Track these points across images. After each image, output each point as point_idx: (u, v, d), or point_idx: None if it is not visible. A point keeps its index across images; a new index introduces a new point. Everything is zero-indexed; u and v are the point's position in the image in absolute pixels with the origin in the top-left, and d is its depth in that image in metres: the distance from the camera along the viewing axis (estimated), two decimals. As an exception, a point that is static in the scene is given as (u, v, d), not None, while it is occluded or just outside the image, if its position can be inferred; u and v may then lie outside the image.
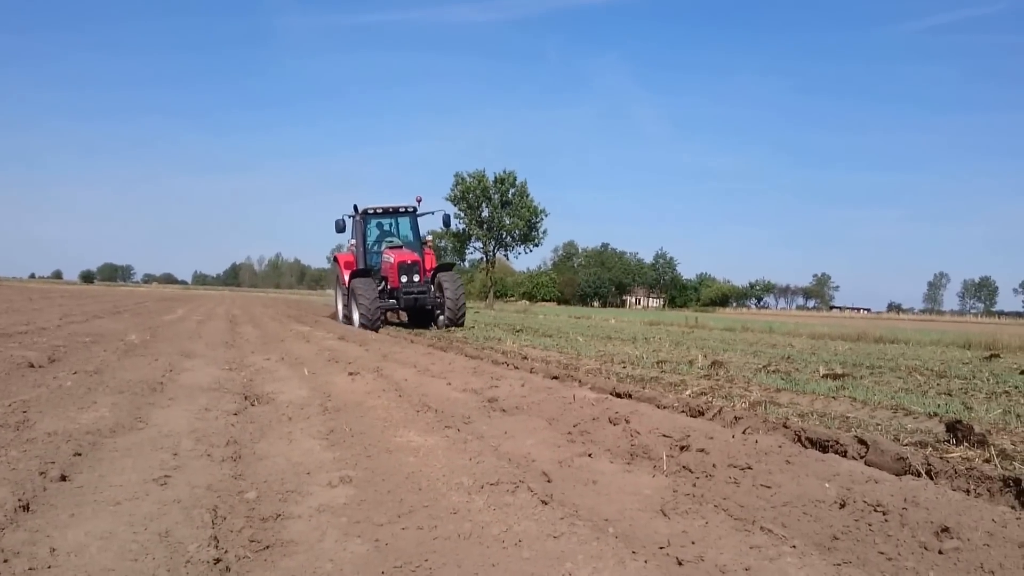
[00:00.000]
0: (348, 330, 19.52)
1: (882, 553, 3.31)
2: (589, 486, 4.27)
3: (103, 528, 3.39)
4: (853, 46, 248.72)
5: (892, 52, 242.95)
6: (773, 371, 10.76)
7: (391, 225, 24.58)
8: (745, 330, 25.61)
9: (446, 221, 24.11)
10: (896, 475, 4.37)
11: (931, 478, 4.64)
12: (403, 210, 24.02)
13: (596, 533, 3.34)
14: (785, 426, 5.99)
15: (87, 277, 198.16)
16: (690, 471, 4.58)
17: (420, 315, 23.29)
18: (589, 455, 4.87)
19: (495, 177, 73.35)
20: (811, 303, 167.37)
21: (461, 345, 15.10)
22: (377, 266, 23.09)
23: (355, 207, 23.44)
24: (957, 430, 5.75)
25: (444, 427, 5.76)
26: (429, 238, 25.77)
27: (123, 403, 6.40)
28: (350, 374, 8.87)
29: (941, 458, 4.99)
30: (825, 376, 10.12)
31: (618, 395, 7.69)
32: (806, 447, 5.26)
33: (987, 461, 5.09)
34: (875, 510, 3.63)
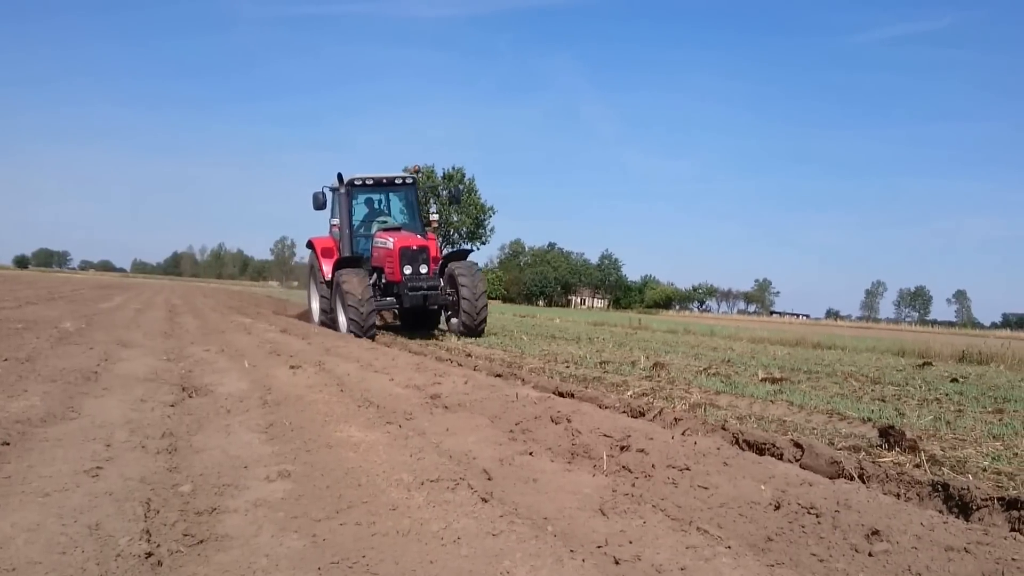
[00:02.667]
0: (291, 323, 19.23)
1: (814, 555, 3.36)
2: (529, 484, 4.27)
3: (31, 520, 3.31)
4: (804, 53, 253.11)
5: (840, 61, 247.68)
6: (713, 374, 10.88)
7: (383, 201, 19.68)
8: (687, 333, 25.87)
9: (455, 196, 20.93)
10: (830, 478, 4.44)
11: (863, 482, 4.73)
12: (400, 182, 19.13)
13: (535, 531, 3.33)
14: (724, 428, 6.07)
15: (21, 262, 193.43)
16: (630, 471, 4.61)
17: (421, 317, 18.97)
18: (530, 453, 4.87)
19: (444, 173, 73.20)
20: (752, 308, 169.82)
21: (405, 341, 15.12)
22: (367, 253, 18.22)
23: (339, 177, 18.28)
24: (889, 435, 5.88)
25: (386, 423, 5.72)
26: (435, 217, 21.30)
27: (55, 392, 6.25)
28: (291, 367, 8.76)
29: (874, 462, 5.09)
30: (764, 380, 10.27)
31: (561, 394, 7.72)
32: (743, 449, 5.33)
33: (917, 466, 5.21)
34: (809, 512, 3.68)
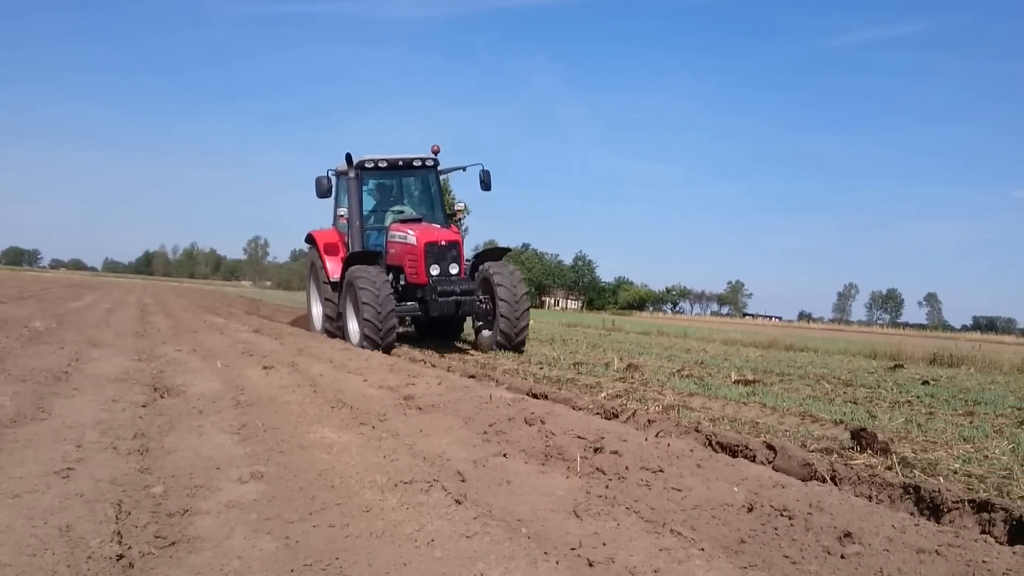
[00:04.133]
0: (263, 323, 19.12)
1: (787, 557, 3.38)
2: (503, 486, 4.27)
3: (0, 522, 3.27)
4: (780, 57, 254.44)
5: (815, 65, 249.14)
6: (687, 375, 10.94)
7: (396, 188, 16.78)
8: (661, 334, 25.95)
9: (485, 181, 15.64)
10: (802, 480, 4.48)
11: (836, 484, 4.77)
12: (419, 164, 15.79)
13: (509, 533, 3.34)
14: (697, 430, 6.10)
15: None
16: (603, 473, 4.62)
17: (440, 325, 16.10)
18: (504, 455, 4.87)
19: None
20: (725, 309, 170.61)
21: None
22: (381, 249, 15.42)
23: (348, 158, 15.35)
24: (861, 438, 5.93)
25: (359, 424, 5.71)
26: (461, 205, 16.84)
27: (25, 392, 6.18)
28: (264, 368, 8.72)
29: (846, 465, 5.14)
30: (737, 382, 10.33)
31: (534, 396, 7.73)
32: (717, 451, 5.36)
33: (889, 468, 5.26)
34: (781, 514, 3.71)
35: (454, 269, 14.20)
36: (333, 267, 15.51)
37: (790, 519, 3.65)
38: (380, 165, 15.51)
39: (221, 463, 4.58)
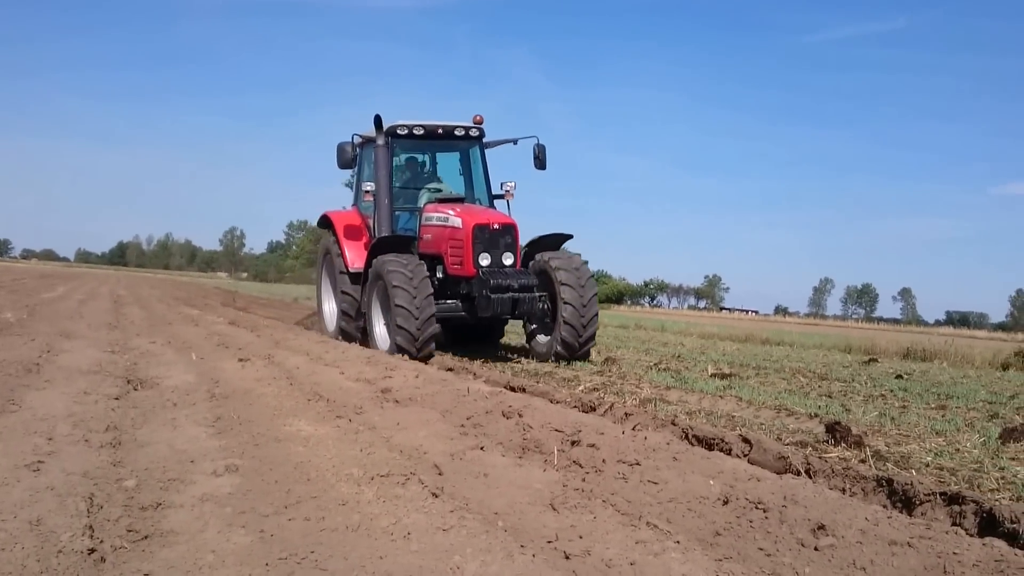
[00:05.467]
0: (239, 315, 18.97)
1: (761, 549, 3.40)
2: (480, 479, 4.26)
3: (-31, 515, 3.23)
4: (759, 52, 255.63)
5: (794, 61, 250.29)
6: (664, 369, 10.99)
7: (430, 162, 14.16)
8: (638, 328, 26.02)
9: (540, 157, 13.06)
10: (777, 473, 4.49)
11: (810, 477, 4.81)
12: (462, 133, 13.08)
13: (486, 526, 3.34)
14: (674, 423, 6.12)
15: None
16: (580, 466, 4.63)
17: (482, 328, 13.52)
18: (481, 448, 4.87)
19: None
20: (702, 303, 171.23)
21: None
22: (413, 233, 12.82)
23: (377, 121, 12.45)
24: (836, 431, 5.98)
25: (335, 417, 5.68)
26: (511, 184, 12.98)
27: (-4, 384, 6.12)
28: (240, 360, 8.67)
29: (820, 458, 5.17)
30: (713, 375, 10.39)
31: (512, 389, 7.74)
32: (693, 444, 5.38)
33: (863, 461, 5.30)
34: (756, 507, 3.72)
35: (508, 259, 11.66)
36: (354, 255, 13.03)
37: (765, 512, 3.67)
38: (415, 132, 12.78)
39: (195, 456, 4.55)
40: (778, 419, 7.07)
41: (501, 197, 13.10)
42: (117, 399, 6.18)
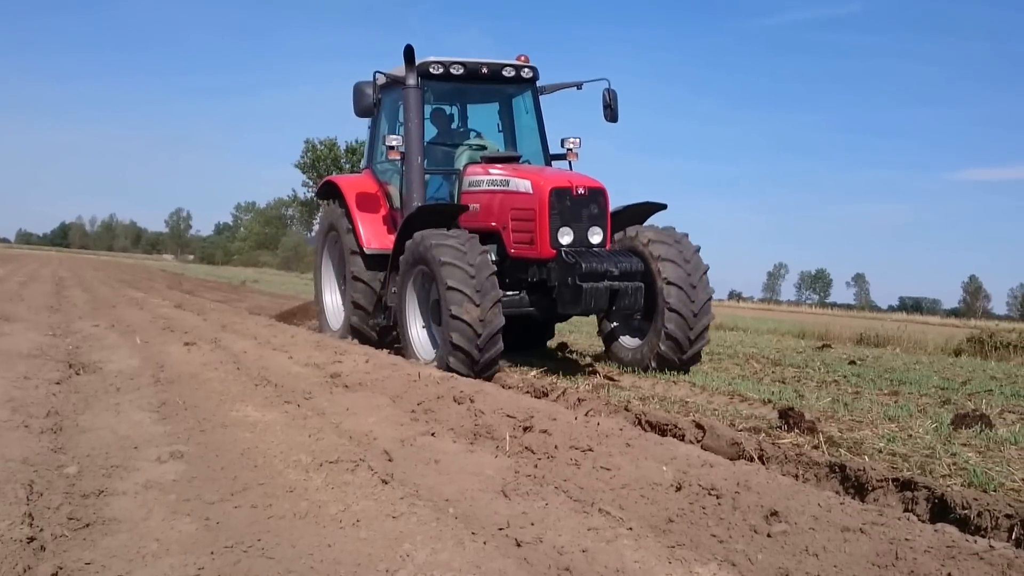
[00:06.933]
0: (185, 298, 18.69)
1: (714, 536, 3.41)
2: (431, 465, 4.24)
3: (-99, 504, 3.12)
4: (717, 34, 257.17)
5: (752, 44, 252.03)
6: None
7: (459, 115, 11.23)
8: (590, 313, 26.03)
9: (611, 106, 10.20)
10: (731, 459, 4.52)
11: (763, 463, 4.85)
12: (511, 74, 10.27)
13: (436, 514, 3.31)
14: (627, 409, 6.14)
15: None
16: (532, 452, 4.61)
17: (538, 323, 10.40)
18: (432, 434, 4.83)
19: (347, 146, 72.39)
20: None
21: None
22: (454, 201, 9.94)
23: (408, 53, 9.41)
24: (789, 417, 6.03)
25: (284, 402, 5.61)
26: (575, 141, 10.43)
27: (-70, 368, 5.95)
28: (186, 344, 8.53)
29: (773, 444, 5.22)
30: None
31: (463, 373, 7.69)
32: (646, 430, 5.40)
33: (816, 447, 5.35)
34: (709, 493, 3.74)
35: (596, 236, 8.87)
36: (370, 231, 10.20)
37: (718, 498, 3.68)
38: (452, 72, 9.92)
39: (139, 442, 4.47)
40: (731, 405, 7.11)
41: (561, 157, 10.46)
42: (58, 384, 6.06)
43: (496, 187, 9.28)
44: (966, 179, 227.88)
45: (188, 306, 15.24)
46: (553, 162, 10.53)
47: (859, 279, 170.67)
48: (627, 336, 9.65)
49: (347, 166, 70.67)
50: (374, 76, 9.88)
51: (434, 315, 8.82)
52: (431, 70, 9.78)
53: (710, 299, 9.13)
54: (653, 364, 8.96)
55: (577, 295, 8.30)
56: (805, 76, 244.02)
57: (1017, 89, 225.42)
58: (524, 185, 8.93)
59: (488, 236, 9.04)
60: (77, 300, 15.61)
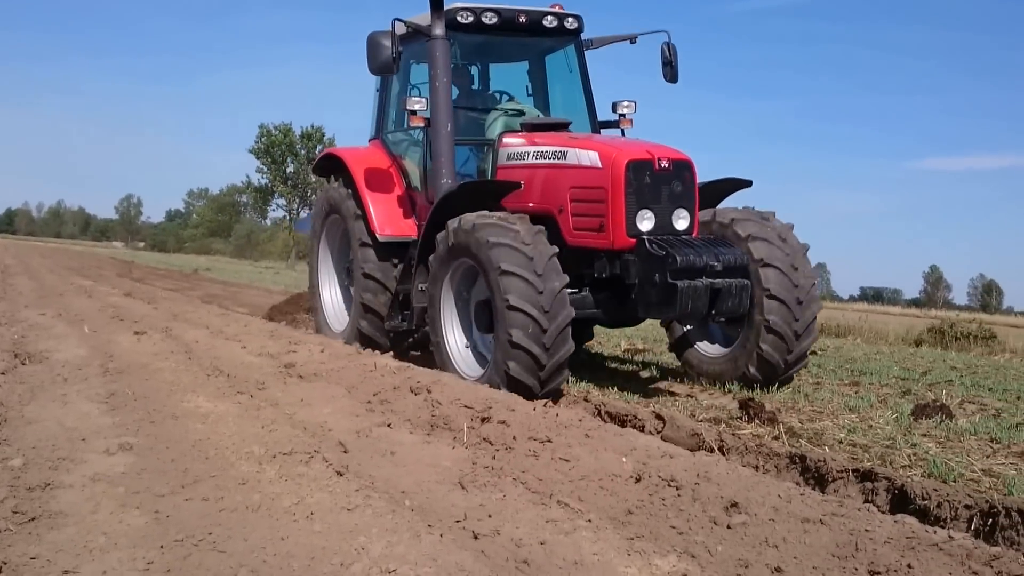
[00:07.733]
0: (135, 286, 18.39)
1: (674, 527, 3.40)
2: (387, 457, 4.20)
3: None
4: (679, 17, 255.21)
5: (714, 29, 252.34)
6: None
7: (479, 76, 9.57)
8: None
9: (672, 63, 8.62)
10: (691, 451, 4.54)
11: (723, 454, 4.88)
12: (553, 24, 8.62)
13: (392, 506, 3.28)
14: (586, 400, 6.15)
15: None
16: (490, 443, 4.58)
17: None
18: (388, 425, 4.80)
19: (302, 132, 72.03)
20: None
21: None
22: (487, 177, 8.33)
23: (435, 2, 7.75)
24: (749, 408, 6.07)
25: (236, 393, 5.54)
26: (628, 106, 8.67)
27: None
28: (136, 333, 8.39)
29: (734, 435, 5.26)
30: (627, 351, 10.48)
31: (421, 364, 7.64)
32: (606, 421, 5.41)
33: (776, 438, 5.39)
34: (669, 485, 3.74)
35: (683, 222, 7.21)
36: (383, 215, 8.62)
37: (678, 489, 3.68)
38: (484, 21, 8.30)
39: (87, 434, 4.38)
40: (692, 396, 7.13)
41: (613, 124, 8.88)
42: (3, 374, 5.96)
43: (547, 160, 7.64)
44: (928, 168, 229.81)
45: (138, 294, 15.01)
46: (602, 131, 8.95)
47: (820, 268, 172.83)
48: (705, 343, 8.07)
49: (303, 152, 70.33)
50: (392, 25, 8.08)
51: (479, 320, 7.23)
52: (458, 18, 8.18)
53: (815, 284, 7.57)
54: (753, 371, 7.36)
55: (669, 296, 6.59)
56: (770, 63, 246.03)
57: (980, 78, 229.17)
58: (590, 157, 7.24)
59: (540, 221, 7.17)
60: (23, 288, 15.34)
